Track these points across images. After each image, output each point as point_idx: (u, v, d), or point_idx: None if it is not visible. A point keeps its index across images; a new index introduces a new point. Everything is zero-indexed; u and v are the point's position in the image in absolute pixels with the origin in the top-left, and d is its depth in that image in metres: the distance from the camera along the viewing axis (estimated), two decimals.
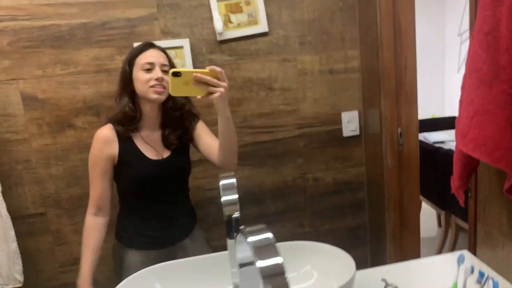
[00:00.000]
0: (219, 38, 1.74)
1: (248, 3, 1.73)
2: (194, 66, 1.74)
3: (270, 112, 1.86)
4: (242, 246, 0.54)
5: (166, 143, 1.40)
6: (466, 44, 4.53)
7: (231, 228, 0.67)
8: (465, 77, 0.85)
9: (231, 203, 0.66)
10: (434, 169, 2.68)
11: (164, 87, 1.32)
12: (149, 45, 1.36)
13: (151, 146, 1.38)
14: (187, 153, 1.48)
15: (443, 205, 2.70)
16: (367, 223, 2.06)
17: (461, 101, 0.88)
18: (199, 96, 1.14)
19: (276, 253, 0.42)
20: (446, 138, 3.13)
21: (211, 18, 1.72)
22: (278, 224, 1.97)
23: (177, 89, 1.12)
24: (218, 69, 1.12)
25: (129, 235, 1.44)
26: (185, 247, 1.47)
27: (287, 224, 1.98)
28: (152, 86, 1.30)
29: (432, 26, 4.94)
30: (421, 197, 2.96)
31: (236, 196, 0.67)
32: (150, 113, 1.38)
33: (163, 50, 1.38)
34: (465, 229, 2.53)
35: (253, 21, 1.76)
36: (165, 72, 1.33)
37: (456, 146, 0.93)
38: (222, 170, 1.32)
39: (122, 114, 1.35)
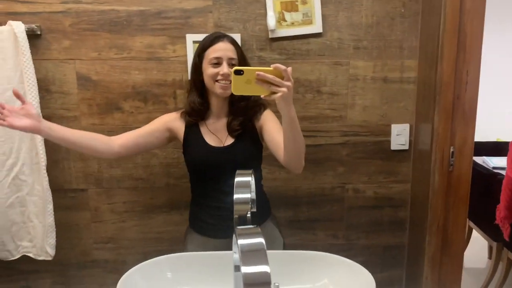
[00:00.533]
0: (271, 35, 1.71)
1: (304, 2, 1.69)
2: None
3: (315, 116, 1.81)
4: (236, 248, 0.50)
5: (229, 130, 1.42)
6: None
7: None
8: None
9: (243, 201, 0.63)
10: (489, 195, 2.47)
11: (230, 81, 1.32)
12: (219, 38, 1.37)
13: (214, 134, 1.42)
14: (253, 142, 1.44)
15: (496, 236, 2.48)
16: (406, 243, 1.94)
17: None
18: (261, 96, 1.09)
19: (264, 261, 0.38)
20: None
21: (265, 15, 1.70)
22: (311, 232, 1.91)
23: (239, 88, 1.06)
24: (282, 67, 1.05)
25: (193, 218, 1.51)
26: None
27: (319, 233, 1.91)
28: (217, 81, 1.33)
29: (503, 42, 4.58)
30: (473, 225, 2.76)
31: (249, 196, 0.64)
32: (216, 105, 1.43)
33: (233, 41, 1.39)
34: None
35: (308, 21, 1.71)
36: (233, 65, 1.34)
37: (507, 173, 0.83)
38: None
39: (190, 107, 1.42)
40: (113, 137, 1.43)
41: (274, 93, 1.07)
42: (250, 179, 0.67)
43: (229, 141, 1.42)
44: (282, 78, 1.07)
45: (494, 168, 2.81)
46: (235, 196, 0.64)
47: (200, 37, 1.56)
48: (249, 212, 0.63)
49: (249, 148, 1.43)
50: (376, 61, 1.77)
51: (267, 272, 0.38)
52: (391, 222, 1.92)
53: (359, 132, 1.83)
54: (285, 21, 1.70)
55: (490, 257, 3.07)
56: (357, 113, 1.81)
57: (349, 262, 0.93)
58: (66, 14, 1.67)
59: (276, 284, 0.68)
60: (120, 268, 1.86)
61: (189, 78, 1.51)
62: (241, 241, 0.41)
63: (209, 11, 1.69)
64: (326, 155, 1.84)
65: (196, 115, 1.42)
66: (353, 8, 1.72)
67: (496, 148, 3.41)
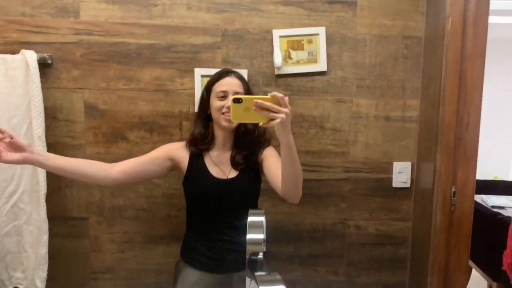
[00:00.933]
0: (277, 72, 1.75)
1: (310, 42, 1.74)
2: None
3: (318, 151, 1.83)
4: None
5: (233, 163, 1.44)
6: None
7: (252, 268, 0.64)
8: None
9: (256, 242, 0.63)
10: (489, 235, 2.47)
11: None
12: (226, 73, 1.44)
13: (217, 166, 1.44)
14: (256, 177, 1.48)
15: (495, 277, 2.46)
16: (407, 283, 1.92)
17: None
18: (260, 123, 1.13)
19: None
20: (506, 204, 2.89)
21: (271, 52, 1.74)
22: (311, 268, 1.89)
23: (238, 116, 1.10)
24: (279, 95, 1.09)
25: (188, 251, 1.48)
26: (245, 279, 1.43)
27: (320, 269, 1.89)
28: (223, 113, 1.38)
29: (502, 85, 4.70)
30: (471, 263, 2.73)
31: (261, 236, 0.64)
32: (221, 136, 1.45)
33: (240, 77, 1.45)
34: None
35: (313, 60, 1.76)
36: None
37: None
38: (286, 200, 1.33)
39: (193, 136, 1.47)
40: (112, 164, 1.42)
41: (272, 120, 1.10)
42: (263, 219, 0.68)
43: (232, 174, 1.44)
44: (280, 105, 1.10)
45: (493, 206, 2.82)
46: (248, 236, 0.64)
47: (208, 71, 1.61)
48: (261, 254, 0.63)
49: (251, 182, 1.46)
50: (379, 99, 1.81)
51: None
52: (392, 260, 1.91)
53: (361, 168, 1.85)
54: (291, 59, 1.75)
55: None
56: (359, 149, 1.83)
57: None
58: (78, 45, 1.71)
59: None
60: None
61: (195, 110, 1.56)
62: None
63: (218, 47, 1.74)
64: (328, 190, 1.85)
65: (199, 144, 1.45)
66: (357, 48, 1.77)
67: (494, 187, 3.42)
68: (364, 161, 1.84)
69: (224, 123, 1.39)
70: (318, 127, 1.82)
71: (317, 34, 1.73)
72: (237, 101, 1.09)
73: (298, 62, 1.75)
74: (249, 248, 0.63)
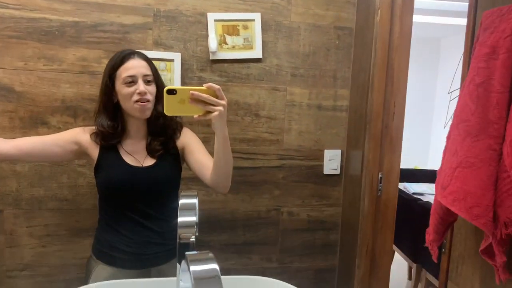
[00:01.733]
0: (211, 57, 1.71)
1: (245, 27, 1.72)
2: (183, 82, 1.70)
3: (252, 139, 1.82)
4: (185, 275, 0.47)
5: (149, 150, 1.34)
6: (454, 102, 4.62)
7: (183, 253, 0.60)
8: (452, 127, 0.83)
9: (188, 225, 0.60)
10: (409, 220, 2.65)
11: (148, 100, 1.27)
12: (129, 55, 1.29)
13: (132, 155, 1.33)
14: (175, 165, 1.38)
15: (415, 258, 2.65)
16: (337, 266, 2.00)
17: (445, 152, 0.85)
18: (196, 116, 1.06)
19: None
20: (425, 191, 3.12)
21: (206, 36, 1.70)
22: (245, 255, 1.89)
23: (172, 108, 1.03)
24: (216, 86, 1.05)
25: (101, 247, 1.35)
26: (163, 273, 1.35)
27: (254, 256, 1.90)
28: (136, 101, 1.25)
29: (424, 81, 5.06)
30: (394, 247, 2.92)
31: (194, 219, 0.61)
32: (133, 126, 1.34)
33: (145, 58, 1.31)
34: (435, 285, 2.48)
35: (248, 46, 1.74)
36: (149, 82, 1.29)
37: (435, 198, 0.89)
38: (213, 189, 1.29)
39: (101, 131, 1.31)
40: (9, 140, 1.28)
41: (208, 112, 1.06)
42: (196, 200, 0.65)
43: (149, 162, 1.34)
44: (216, 97, 1.06)
45: (413, 193, 3.02)
46: (180, 219, 0.61)
47: None
48: (193, 237, 0.60)
49: (170, 169, 1.37)
50: (312, 88, 1.84)
51: None
52: (323, 245, 1.97)
53: (294, 156, 1.87)
54: (226, 44, 1.72)
55: (410, 277, 3.26)
56: (293, 137, 1.86)
57: (284, 285, 0.92)
58: None
59: None
60: None
61: (98, 98, 1.35)
62: (194, 268, 0.39)
63: (149, 28, 1.66)
64: (263, 178, 1.85)
65: (108, 139, 1.31)
66: (292, 36, 1.78)
67: (415, 175, 3.68)
68: (297, 149, 1.87)
69: (138, 113, 1.27)
70: (253, 114, 1.81)
71: (253, 20, 1.71)
72: (170, 92, 1.01)
73: (233, 47, 1.72)
74: (180, 232, 0.59)
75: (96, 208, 1.69)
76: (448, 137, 0.86)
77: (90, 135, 1.34)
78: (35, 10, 1.56)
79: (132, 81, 1.25)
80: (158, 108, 1.32)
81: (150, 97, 1.28)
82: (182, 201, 0.64)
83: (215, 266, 0.40)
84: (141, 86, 1.25)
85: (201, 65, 1.72)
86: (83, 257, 1.71)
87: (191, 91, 1.02)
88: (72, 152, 1.33)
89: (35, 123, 1.62)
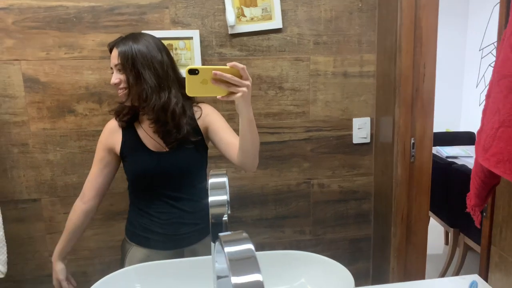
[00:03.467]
0: (230, 31, 1.67)
1: None
2: (203, 60, 1.67)
3: (278, 112, 1.79)
4: (220, 256, 0.46)
5: (166, 143, 1.30)
6: (486, 60, 4.41)
7: (217, 232, 0.59)
8: (492, 84, 0.77)
9: (219, 204, 0.59)
10: (445, 184, 2.57)
11: (122, 88, 1.24)
12: (110, 48, 1.28)
13: (153, 138, 1.31)
14: (199, 146, 1.34)
15: (452, 223, 2.59)
16: (372, 235, 1.97)
17: (485, 111, 0.80)
18: (219, 96, 1.01)
19: (255, 269, 0.34)
20: (460, 153, 3.02)
21: (223, 10, 1.65)
22: (278, 229, 1.89)
23: (193, 89, 0.96)
24: (240, 65, 0.99)
25: (134, 229, 1.38)
26: (196, 253, 1.36)
27: (287, 230, 1.90)
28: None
29: (453, 39, 4.82)
30: (429, 213, 2.86)
31: (225, 197, 0.60)
32: (144, 118, 1.33)
33: (116, 44, 1.25)
34: (474, 249, 2.42)
35: (267, 16, 1.68)
36: (119, 71, 1.23)
37: (476, 160, 0.84)
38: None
39: (118, 107, 1.34)
40: (81, 198, 1.38)
41: (232, 93, 1.01)
42: (225, 179, 0.63)
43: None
44: (240, 77, 1.00)
45: (447, 157, 2.93)
46: (210, 198, 0.59)
47: (157, 33, 1.49)
48: (226, 216, 0.59)
49: (195, 150, 1.33)
50: (336, 56, 1.78)
51: (260, 281, 0.34)
52: (356, 215, 1.94)
53: (322, 127, 1.83)
54: (245, 16, 1.67)
55: (447, 243, 3.21)
56: (319, 108, 1.81)
57: (326, 259, 0.91)
58: (8, 11, 1.54)
59: None
60: (81, 280, 1.75)
61: None
62: (229, 249, 0.37)
63: (165, 6, 1.63)
64: (291, 151, 1.83)
65: (125, 115, 1.32)
66: (312, 2, 1.71)
67: (447, 138, 3.56)
68: (324, 119, 1.82)
69: (119, 99, 1.27)
70: (277, 87, 1.77)
71: None
72: (192, 72, 0.94)
73: (252, 19, 1.67)
74: (212, 211, 0.58)
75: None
76: (488, 96, 0.80)
77: (115, 121, 1.34)
78: None
79: (112, 72, 1.26)
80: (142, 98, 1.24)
81: (124, 84, 1.24)
82: (211, 180, 0.63)
83: (250, 246, 0.38)
84: (113, 77, 1.24)
85: (220, 41, 1.68)
86: (119, 240, 1.75)
87: (213, 71, 0.96)
88: (117, 157, 1.35)
89: (62, 111, 1.64)
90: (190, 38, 1.64)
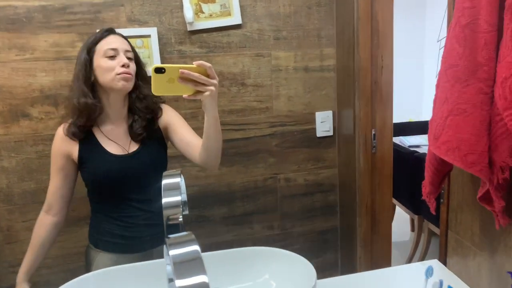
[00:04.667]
0: (189, 28, 1.65)
1: None
2: (162, 58, 1.64)
3: (241, 109, 1.78)
4: (168, 259, 0.45)
5: (132, 135, 1.29)
6: None
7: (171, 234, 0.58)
8: (440, 74, 0.79)
9: (173, 205, 0.58)
10: (408, 173, 2.65)
11: (131, 74, 1.22)
12: (110, 31, 1.25)
13: (114, 141, 1.28)
14: (160, 147, 1.34)
15: (416, 210, 2.67)
16: (338, 227, 2.00)
17: (435, 100, 0.82)
18: (185, 95, 1.00)
19: (200, 270, 0.34)
20: (421, 143, 3.11)
21: (181, 7, 1.63)
22: (247, 226, 1.89)
23: (160, 88, 0.95)
24: (207, 64, 0.98)
25: (99, 235, 1.34)
26: (162, 255, 1.32)
27: (256, 226, 1.90)
28: (118, 74, 1.19)
29: (412, 31, 4.96)
30: (395, 201, 2.94)
31: (179, 198, 0.59)
32: (113, 105, 1.26)
33: (125, 37, 1.28)
34: (438, 234, 2.51)
35: (226, 12, 1.67)
36: (130, 59, 1.24)
37: (429, 149, 0.87)
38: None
39: (79, 108, 1.22)
40: (45, 212, 1.33)
41: (199, 92, 1.00)
42: (178, 179, 0.62)
43: (134, 147, 1.29)
44: (207, 75, 1.00)
45: (410, 146, 3.02)
46: (164, 200, 0.58)
47: None
48: (180, 217, 0.58)
49: (157, 152, 1.32)
50: (297, 50, 1.79)
51: (206, 283, 0.34)
52: (323, 207, 1.97)
53: (285, 122, 1.84)
54: (203, 12, 1.65)
55: (412, 230, 3.31)
56: (282, 103, 1.82)
57: (287, 253, 0.91)
58: None
59: None
60: None
61: (74, 77, 1.25)
62: (173, 252, 0.36)
63: (121, 4, 1.58)
64: (256, 147, 1.83)
65: (87, 117, 1.23)
66: None
67: (410, 128, 3.66)
68: (287, 114, 1.83)
69: (120, 83, 1.19)
70: (239, 84, 1.76)
71: None
72: (159, 71, 0.93)
73: (211, 16, 1.66)
74: (166, 213, 0.57)
75: None
76: (437, 85, 0.82)
77: (65, 133, 1.26)
78: None
79: (114, 54, 1.20)
80: (144, 91, 1.28)
81: (132, 72, 1.23)
82: (164, 181, 0.61)
83: (195, 247, 0.37)
84: (124, 58, 1.21)
85: (179, 38, 1.66)
86: (83, 245, 1.68)
87: (180, 70, 0.95)
88: (75, 163, 1.29)
89: (16, 116, 1.57)
90: (148, 36, 1.61)
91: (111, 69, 1.19)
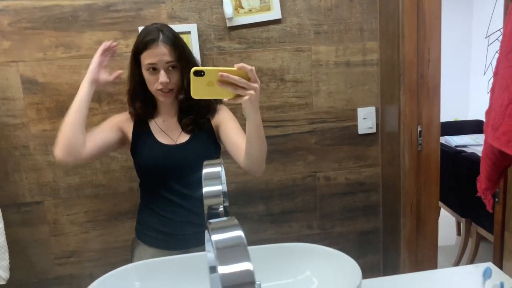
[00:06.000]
0: (229, 24, 1.64)
1: None
2: (202, 54, 1.64)
3: (280, 105, 1.75)
4: (210, 246, 0.43)
5: (182, 126, 1.30)
6: (493, 47, 4.32)
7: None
8: (500, 59, 0.73)
9: (213, 194, 0.56)
10: (455, 174, 2.52)
11: (171, 89, 1.23)
12: (152, 42, 1.20)
13: (165, 132, 1.30)
14: (210, 141, 1.32)
15: (464, 213, 2.53)
16: (381, 227, 1.93)
17: (493, 89, 0.76)
18: (225, 99, 0.96)
19: (245, 257, 0.31)
20: (468, 142, 2.96)
21: (221, 3, 1.62)
22: (285, 224, 1.86)
23: (199, 91, 0.92)
24: (248, 67, 0.94)
25: (141, 227, 1.36)
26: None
27: (294, 224, 1.87)
28: (159, 90, 1.21)
29: (459, 26, 4.75)
30: (440, 203, 2.81)
31: (219, 188, 0.57)
32: (163, 104, 1.31)
33: (171, 40, 1.21)
34: (487, 239, 2.37)
35: (265, 7, 1.65)
36: (173, 67, 1.22)
37: (485, 141, 0.80)
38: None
39: (135, 110, 1.31)
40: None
41: (239, 96, 0.96)
42: (219, 168, 0.60)
43: (183, 138, 1.29)
44: (248, 79, 0.96)
45: (456, 146, 2.88)
46: (204, 189, 0.56)
47: None
48: (221, 206, 0.56)
49: (204, 147, 1.31)
50: (338, 45, 1.74)
51: (250, 270, 0.31)
52: (365, 207, 1.90)
53: (326, 118, 1.79)
54: (242, 8, 1.63)
55: (459, 233, 3.15)
56: (323, 99, 1.77)
57: (331, 251, 0.87)
58: (3, 13, 1.52)
59: (258, 282, 0.61)
60: (87, 283, 1.73)
61: (129, 75, 1.30)
62: (216, 237, 0.34)
63: (162, 1, 1.60)
64: (295, 145, 1.79)
65: (143, 116, 1.31)
66: None
67: (456, 127, 3.50)
68: (328, 111, 1.79)
69: (161, 99, 1.25)
70: (278, 80, 1.73)
71: None
72: (198, 74, 0.90)
73: (250, 11, 1.64)
74: (207, 202, 0.55)
75: (132, 190, 1.71)
76: (496, 73, 0.76)
77: (130, 116, 1.34)
78: None
79: (154, 68, 1.20)
80: (187, 93, 1.22)
81: (172, 85, 1.23)
82: (205, 170, 0.60)
83: (239, 233, 0.35)
84: (163, 76, 1.19)
85: (219, 34, 1.65)
86: (125, 240, 1.74)
87: (220, 73, 0.91)
88: (119, 140, 1.32)
89: (62, 112, 1.61)
90: (188, 32, 1.61)
91: (152, 83, 1.22)
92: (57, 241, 1.71)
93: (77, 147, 1.20)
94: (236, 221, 0.37)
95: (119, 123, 1.33)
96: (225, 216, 0.59)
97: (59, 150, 1.21)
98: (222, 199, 0.57)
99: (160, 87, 1.21)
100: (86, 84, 1.27)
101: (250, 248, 0.95)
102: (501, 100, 0.69)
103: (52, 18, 1.56)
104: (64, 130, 1.21)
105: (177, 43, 1.23)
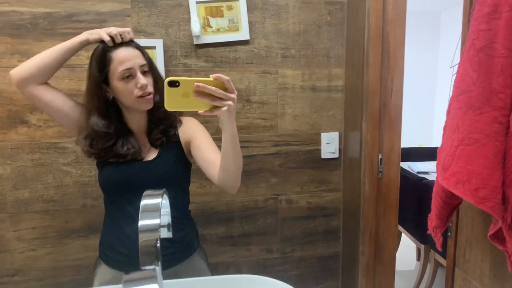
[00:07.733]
0: (196, 41, 1.62)
1: (230, 8, 1.62)
2: (166, 70, 1.61)
3: (245, 126, 1.73)
4: None
5: (151, 140, 1.23)
6: None
7: (146, 261, 0.52)
8: (452, 100, 0.73)
9: (149, 229, 0.52)
10: (415, 200, 2.56)
11: (150, 92, 1.16)
12: (120, 44, 1.14)
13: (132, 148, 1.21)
14: (180, 157, 1.26)
15: (423, 239, 2.57)
16: (340, 253, 1.92)
17: (445, 128, 0.76)
18: (201, 111, 0.91)
19: None
20: (431, 169, 3.02)
21: (188, 20, 1.60)
22: (244, 247, 1.82)
23: (173, 103, 0.87)
24: (225, 77, 0.91)
25: (103, 248, 1.26)
26: (177, 275, 1.23)
27: (254, 248, 1.83)
28: (140, 96, 1.14)
29: (425, 56, 4.92)
30: (401, 229, 2.84)
31: (157, 221, 0.53)
32: (134, 121, 1.23)
33: (135, 44, 1.18)
34: (445, 266, 2.40)
35: (234, 27, 1.64)
36: (146, 73, 1.16)
37: (436, 180, 0.80)
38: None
39: (95, 133, 1.18)
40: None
41: (216, 107, 0.92)
42: (159, 200, 0.57)
43: (151, 155, 1.23)
44: (225, 89, 0.92)
45: (418, 172, 2.93)
46: (140, 222, 0.52)
47: None
48: (158, 242, 0.52)
49: (174, 163, 1.24)
50: (304, 69, 1.75)
51: None
52: (325, 232, 1.89)
53: (290, 141, 1.79)
54: (211, 27, 1.62)
55: (418, 259, 3.19)
56: (288, 122, 1.77)
57: (276, 283, 0.84)
58: None
59: None
60: None
61: (87, 94, 1.19)
62: None
63: (127, 14, 1.56)
64: (259, 166, 1.77)
65: (105, 139, 1.18)
66: (280, 15, 1.68)
67: (419, 154, 3.58)
68: (292, 134, 1.78)
69: (142, 107, 1.16)
70: (244, 100, 1.72)
71: (237, 0, 1.61)
72: (172, 84, 0.85)
73: (218, 30, 1.63)
74: (141, 237, 0.51)
75: (85, 207, 1.64)
76: (448, 112, 0.76)
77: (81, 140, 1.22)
78: (4, 3, 1.47)
79: (129, 74, 1.13)
80: (156, 98, 1.20)
81: (151, 89, 1.17)
82: (143, 202, 0.56)
83: (155, 287, 0.32)
84: (141, 79, 1.13)
85: (185, 51, 1.63)
86: (75, 259, 1.66)
87: (196, 83, 0.87)
88: (76, 119, 1.22)
89: (14, 122, 1.54)
90: (153, 47, 1.58)
91: (129, 92, 1.14)
92: (1, 258, 1.60)
93: (36, 79, 1.18)
94: (155, 273, 0.34)
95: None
96: (160, 251, 0.55)
97: (19, 72, 1.18)
98: (158, 234, 0.53)
99: (140, 93, 1.14)
100: (82, 37, 1.21)
101: (196, 279, 0.92)
102: (451, 141, 0.69)
103: (9, 24, 1.49)
104: (36, 59, 1.19)
105: (142, 49, 1.20)
